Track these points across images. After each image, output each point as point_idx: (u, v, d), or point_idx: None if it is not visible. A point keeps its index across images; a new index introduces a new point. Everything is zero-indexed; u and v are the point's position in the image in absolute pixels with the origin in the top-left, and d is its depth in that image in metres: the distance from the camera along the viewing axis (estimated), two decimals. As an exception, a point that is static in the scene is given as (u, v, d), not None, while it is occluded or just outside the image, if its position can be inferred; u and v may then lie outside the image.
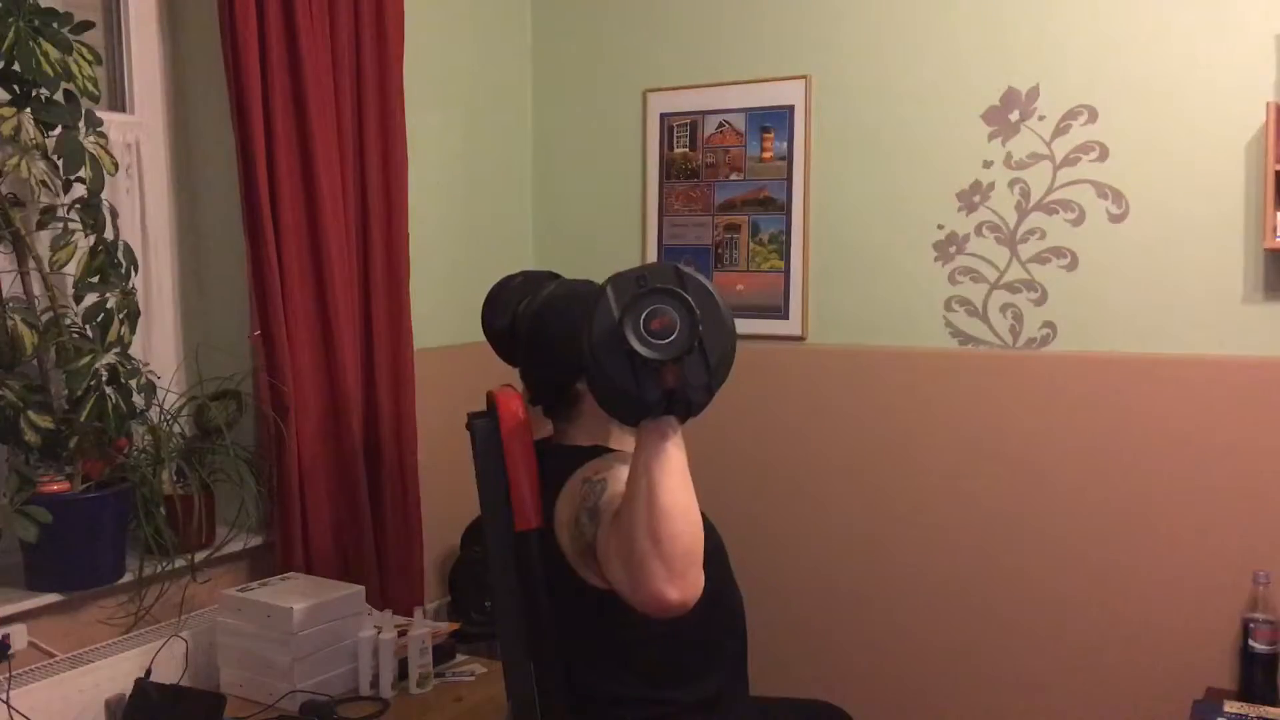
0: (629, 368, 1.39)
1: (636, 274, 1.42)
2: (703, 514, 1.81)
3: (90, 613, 2.14)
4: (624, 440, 1.72)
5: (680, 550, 1.34)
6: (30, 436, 1.98)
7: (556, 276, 2.06)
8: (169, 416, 2.26)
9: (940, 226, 2.81)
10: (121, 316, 2.08)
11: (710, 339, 1.39)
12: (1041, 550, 2.72)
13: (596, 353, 1.41)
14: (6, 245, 2.02)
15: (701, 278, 1.43)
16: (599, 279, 1.98)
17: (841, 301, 2.95)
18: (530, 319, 1.84)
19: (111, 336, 2.06)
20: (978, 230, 2.77)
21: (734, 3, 3.04)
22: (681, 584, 1.34)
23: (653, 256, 3.17)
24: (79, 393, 2.00)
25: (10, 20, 1.93)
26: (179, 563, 2.22)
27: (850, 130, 2.91)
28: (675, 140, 3.14)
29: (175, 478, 2.26)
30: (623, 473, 1.57)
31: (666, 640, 1.68)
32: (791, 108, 2.97)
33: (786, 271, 3.00)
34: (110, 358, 2.05)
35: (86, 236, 2.06)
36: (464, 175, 3.10)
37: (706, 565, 1.75)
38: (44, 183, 1.99)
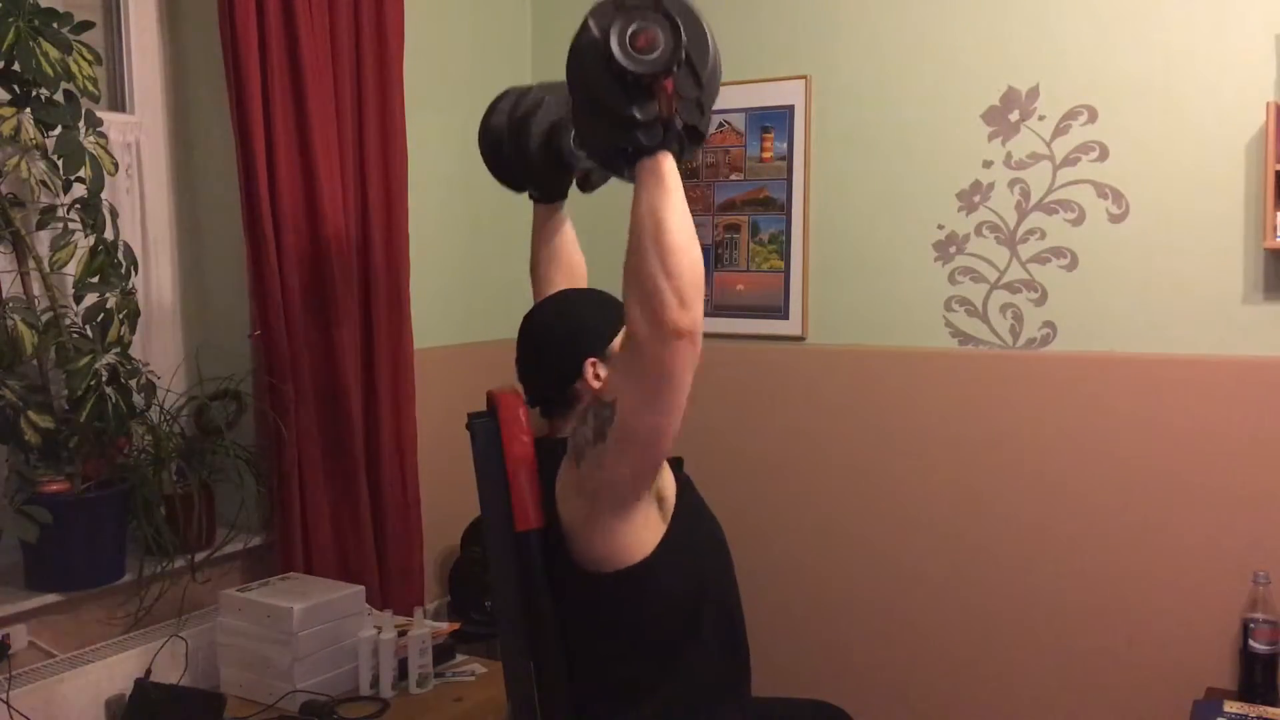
0: (620, 89, 1.38)
1: None
2: (709, 518, 1.82)
3: (90, 613, 2.14)
4: None
5: (689, 281, 1.43)
6: (30, 436, 1.98)
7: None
8: (169, 416, 2.26)
9: (940, 226, 2.81)
10: (121, 316, 2.08)
11: (697, 53, 1.39)
12: (1042, 550, 2.72)
13: (585, 79, 1.40)
14: (6, 245, 2.02)
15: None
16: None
17: (841, 301, 2.95)
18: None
19: (111, 336, 2.06)
20: (978, 230, 2.77)
21: (734, 3, 3.04)
22: (691, 312, 1.43)
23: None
24: (79, 393, 2.00)
25: (10, 20, 1.93)
26: (179, 563, 2.22)
27: (850, 130, 2.91)
28: (675, 140, 3.14)
29: (175, 478, 2.26)
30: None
31: (664, 634, 1.69)
32: (791, 108, 2.97)
33: (786, 271, 3.00)
34: (110, 358, 2.05)
35: (86, 236, 2.06)
36: (464, 175, 3.09)
37: (708, 565, 1.76)
38: (44, 183, 1.99)
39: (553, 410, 1.80)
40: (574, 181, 2.06)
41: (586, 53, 1.41)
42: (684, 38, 1.37)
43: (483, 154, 2.06)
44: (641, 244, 1.43)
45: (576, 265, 2.14)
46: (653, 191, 1.44)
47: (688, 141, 1.46)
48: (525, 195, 2.13)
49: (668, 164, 1.45)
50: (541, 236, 2.12)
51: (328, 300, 2.46)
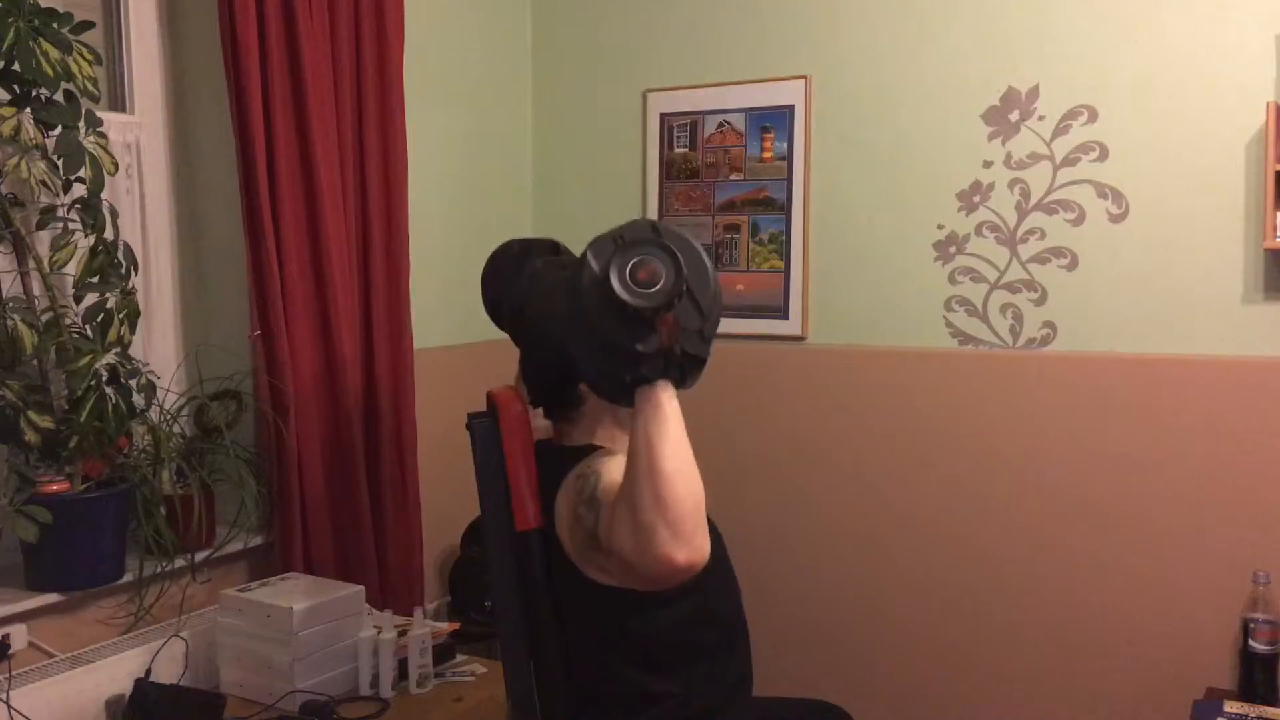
0: (620, 323, 1.38)
1: (614, 233, 1.42)
2: (709, 521, 1.82)
3: (90, 613, 2.14)
4: (618, 439, 1.73)
5: (685, 513, 1.35)
6: (30, 436, 1.98)
7: (557, 246, 2.04)
8: (169, 416, 2.26)
9: (940, 226, 2.81)
10: (121, 316, 2.08)
11: (697, 284, 1.39)
12: (1042, 550, 2.72)
13: (586, 313, 1.39)
14: (6, 245, 2.02)
15: (679, 230, 1.43)
16: None
17: (841, 301, 2.95)
18: (520, 324, 1.84)
19: (111, 336, 2.06)
20: (978, 230, 2.77)
21: (734, 3, 3.04)
22: (688, 547, 1.35)
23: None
24: (79, 393, 2.00)
25: (10, 20, 1.93)
26: (179, 563, 2.22)
27: (850, 130, 2.91)
28: (675, 140, 3.14)
29: (175, 478, 2.26)
30: (614, 464, 1.57)
31: (666, 638, 1.68)
32: (791, 108, 2.97)
33: (786, 271, 3.00)
34: (110, 358, 2.05)
35: (86, 236, 2.06)
36: (464, 175, 3.10)
37: (710, 568, 1.75)
38: (44, 183, 1.99)
39: (555, 411, 1.80)
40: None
41: (588, 288, 1.39)
42: (685, 270, 1.36)
43: (492, 303, 2.08)
44: (634, 472, 1.39)
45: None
46: (649, 420, 1.40)
47: (688, 369, 1.44)
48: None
49: (666, 393, 1.42)
50: None
51: (328, 300, 2.46)
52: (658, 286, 1.36)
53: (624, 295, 1.35)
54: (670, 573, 1.35)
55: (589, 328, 1.40)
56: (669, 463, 1.37)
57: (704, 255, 1.43)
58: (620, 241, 1.40)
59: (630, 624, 1.66)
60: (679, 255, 1.37)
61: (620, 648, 1.69)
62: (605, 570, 1.58)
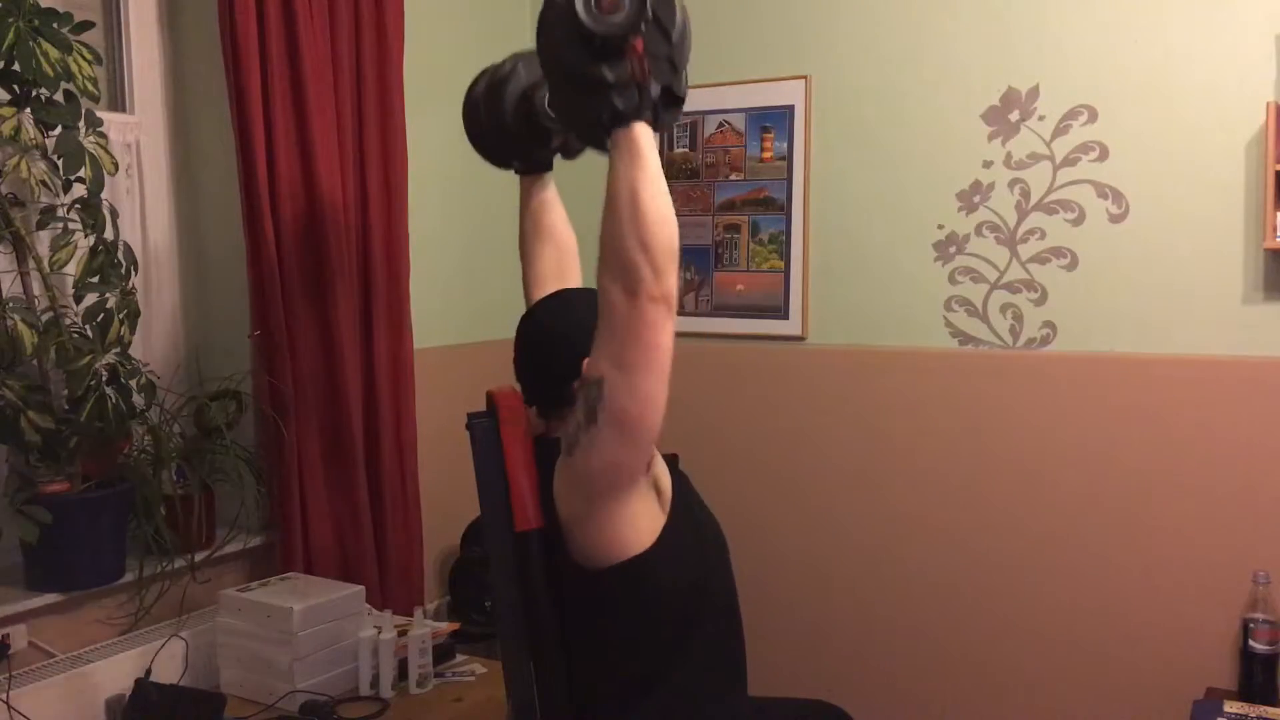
0: (587, 52, 1.39)
1: None
2: (706, 514, 1.82)
3: (90, 613, 2.14)
4: None
5: (664, 251, 1.43)
6: (30, 436, 1.98)
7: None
8: (169, 416, 2.26)
9: (940, 226, 2.81)
10: (121, 316, 2.08)
11: (663, 9, 1.41)
12: (1041, 550, 2.72)
13: (554, 47, 1.40)
14: (6, 245, 2.02)
15: None
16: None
17: (841, 301, 2.95)
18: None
19: (111, 336, 2.06)
20: (978, 230, 2.77)
21: (734, 3, 3.04)
22: (667, 280, 1.44)
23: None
24: (79, 393, 2.00)
25: (10, 20, 1.93)
26: (179, 563, 2.22)
27: (850, 130, 2.91)
28: (675, 140, 3.15)
29: (175, 478, 2.26)
30: None
31: (666, 639, 1.68)
32: (791, 108, 2.97)
33: (786, 271, 3.00)
34: (110, 358, 2.04)
35: (86, 236, 2.06)
36: (464, 175, 3.09)
37: (707, 560, 1.75)
38: (44, 183, 1.99)
39: (550, 410, 1.80)
40: (558, 151, 2.06)
41: (553, 20, 1.42)
42: None
43: (465, 127, 2.07)
44: (617, 217, 1.43)
45: (564, 240, 2.13)
46: (627, 163, 1.44)
47: (664, 108, 1.46)
48: (513, 174, 2.12)
49: (643, 134, 1.45)
50: (528, 211, 2.12)
51: (328, 300, 2.46)
52: (623, 12, 1.38)
53: (588, 21, 1.37)
54: (651, 302, 1.42)
55: (555, 57, 1.42)
56: (651, 206, 1.43)
57: None
58: None
59: (629, 622, 1.66)
60: None
61: (619, 647, 1.69)
62: (591, 484, 1.57)
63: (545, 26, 1.45)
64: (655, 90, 1.44)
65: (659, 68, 1.43)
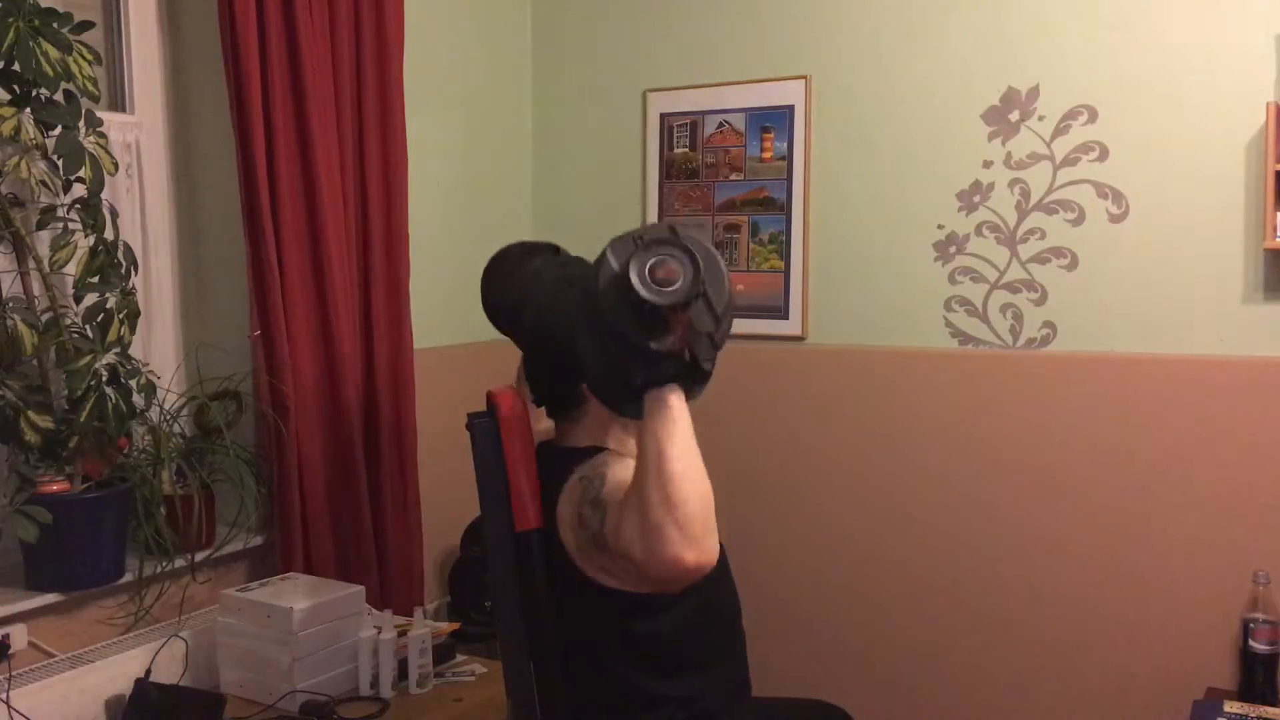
0: (636, 320, 1.39)
1: (634, 233, 1.43)
2: None
3: (90, 613, 2.14)
4: (623, 441, 1.72)
5: (694, 514, 1.36)
6: (30, 436, 1.98)
7: (557, 249, 2.05)
8: (169, 416, 2.26)
9: (940, 226, 2.81)
10: (121, 316, 2.08)
11: (714, 287, 1.40)
12: (1042, 550, 2.72)
13: (602, 311, 1.40)
14: (6, 245, 2.02)
15: (697, 236, 1.44)
16: None
17: (841, 301, 2.95)
18: (531, 321, 1.84)
19: (111, 336, 2.06)
20: (978, 230, 2.77)
21: (734, 3, 3.04)
22: (698, 548, 1.35)
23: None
24: (79, 393, 2.00)
25: (10, 20, 1.93)
26: (179, 563, 2.22)
27: (850, 130, 2.91)
28: (675, 140, 3.15)
29: (175, 478, 2.26)
30: (619, 467, 1.57)
31: (667, 639, 1.68)
32: (791, 108, 2.97)
33: (786, 271, 3.00)
34: (110, 358, 2.05)
35: (86, 236, 2.06)
36: (464, 175, 3.10)
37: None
38: (44, 183, 1.99)
39: (558, 410, 1.80)
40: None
41: (606, 284, 1.40)
42: (703, 271, 1.37)
43: (491, 304, 2.03)
44: (644, 473, 1.39)
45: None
46: (659, 422, 1.40)
47: (695, 380, 1.44)
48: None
49: (675, 398, 1.42)
50: None
51: (328, 300, 2.46)
52: (676, 285, 1.37)
53: (643, 292, 1.36)
54: (680, 574, 1.36)
55: (603, 325, 1.41)
56: (678, 464, 1.38)
57: (720, 260, 1.44)
58: (640, 241, 1.41)
59: (630, 625, 1.66)
60: (697, 256, 1.38)
61: (620, 649, 1.69)
62: (608, 571, 1.58)
63: (595, 288, 1.42)
64: (688, 359, 1.42)
65: (699, 344, 1.41)
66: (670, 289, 1.37)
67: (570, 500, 1.62)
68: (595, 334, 1.44)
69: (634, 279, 1.36)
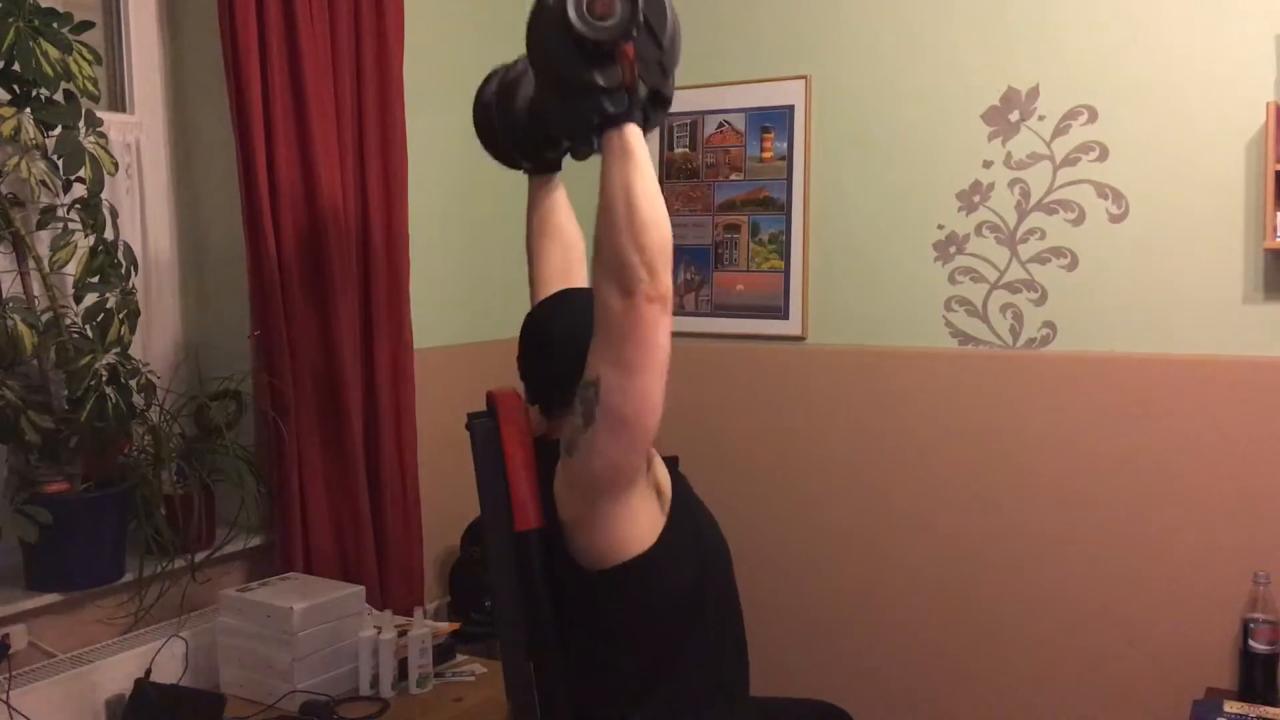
0: (579, 57, 1.40)
1: None
2: (706, 515, 1.82)
3: (90, 613, 2.14)
4: None
5: (658, 251, 1.46)
6: (30, 436, 1.98)
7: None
8: (169, 416, 2.26)
9: (940, 226, 2.81)
10: (121, 316, 2.08)
11: (654, 14, 1.41)
12: (1042, 550, 2.72)
13: (545, 50, 1.41)
14: (6, 245, 2.02)
15: None
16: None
17: (841, 301, 2.95)
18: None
19: (111, 336, 2.06)
20: (978, 230, 2.77)
21: (734, 3, 3.04)
22: (663, 281, 1.46)
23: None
24: (79, 393, 2.00)
25: (10, 20, 1.93)
26: (179, 563, 2.22)
27: (850, 130, 2.91)
28: (675, 140, 3.15)
29: (175, 478, 2.26)
30: None
31: (666, 639, 1.68)
32: (791, 108, 2.97)
33: (786, 271, 3.00)
34: (110, 358, 2.04)
35: (86, 236, 2.05)
36: (464, 175, 3.09)
37: (708, 561, 1.75)
38: (44, 183, 1.99)
39: (553, 410, 1.80)
40: (568, 152, 2.06)
41: (545, 24, 1.43)
42: (640, 1, 1.38)
43: (475, 128, 2.07)
44: (611, 218, 1.45)
45: (571, 239, 2.12)
46: (620, 164, 1.45)
47: (652, 109, 1.47)
48: (518, 173, 2.12)
49: (634, 135, 1.46)
50: (535, 211, 2.13)
51: (328, 300, 2.46)
52: (615, 18, 1.37)
53: (580, 27, 1.37)
54: (648, 302, 1.43)
55: (546, 60, 1.42)
56: (645, 208, 1.44)
57: None
58: None
59: (629, 623, 1.67)
60: None
61: (619, 648, 1.69)
62: (591, 485, 1.58)
63: (535, 30, 1.46)
64: (644, 92, 1.45)
65: (649, 71, 1.44)
66: (609, 22, 1.37)
67: (561, 470, 1.63)
68: (543, 79, 1.46)
69: (571, 14, 1.37)
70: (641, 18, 1.39)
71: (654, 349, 1.49)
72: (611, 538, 1.61)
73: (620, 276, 1.46)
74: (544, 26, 1.44)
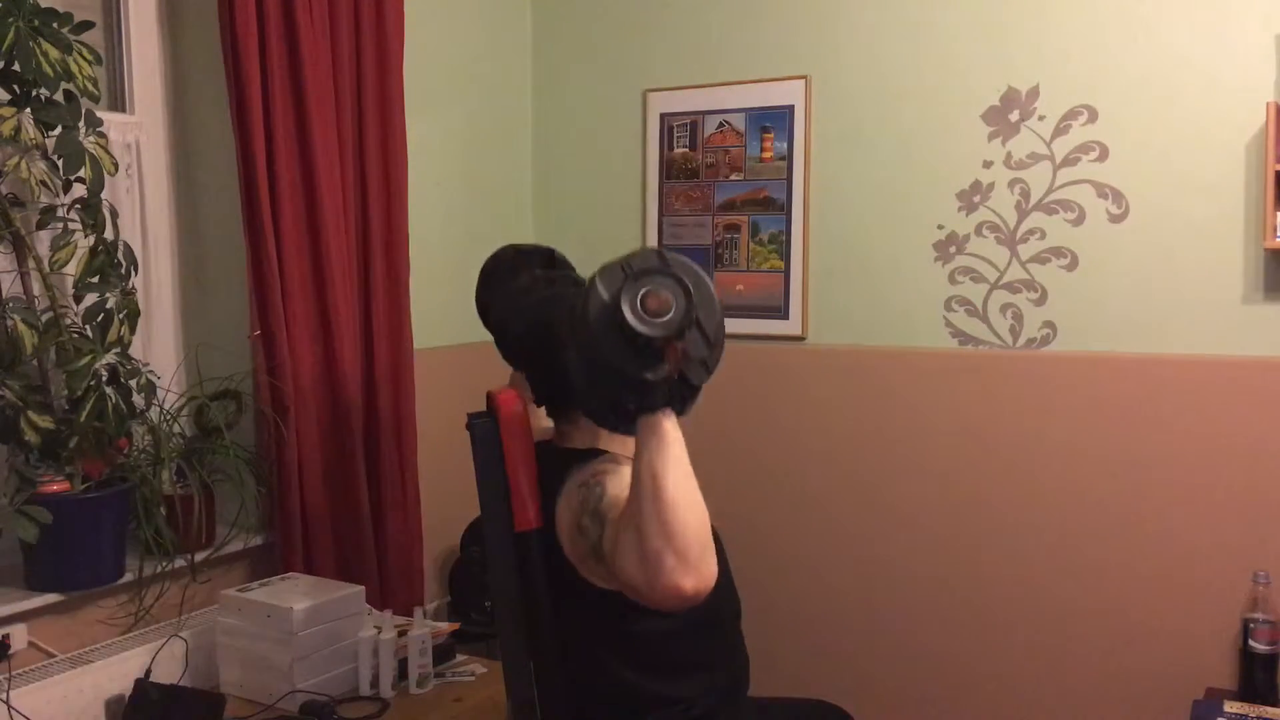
0: (629, 352, 1.36)
1: (622, 261, 1.41)
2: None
3: (90, 613, 2.14)
4: (623, 443, 1.72)
5: (691, 540, 1.35)
6: (30, 436, 1.98)
7: (552, 255, 2.04)
8: (169, 416, 2.26)
9: (940, 226, 2.81)
10: (121, 316, 2.08)
11: (705, 314, 1.39)
12: (1041, 550, 2.72)
13: (593, 341, 1.38)
14: (6, 245, 2.02)
15: (685, 258, 1.42)
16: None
17: (841, 301, 2.95)
18: (536, 318, 1.83)
19: (111, 336, 2.06)
20: (978, 230, 2.77)
21: (734, 3, 3.04)
22: (696, 574, 1.34)
23: (653, 256, 3.17)
24: (79, 393, 2.00)
25: (10, 20, 1.93)
26: (179, 563, 2.22)
27: (850, 130, 2.91)
28: (675, 140, 3.15)
29: (175, 478, 2.26)
30: (619, 474, 1.56)
31: (666, 639, 1.68)
32: (791, 108, 2.97)
33: (786, 271, 3.00)
34: (110, 358, 2.05)
35: (86, 236, 2.06)
36: (464, 175, 3.10)
37: None
38: (44, 183, 1.99)
39: (558, 410, 1.80)
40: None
41: (597, 317, 1.38)
42: (695, 298, 1.36)
43: (489, 319, 2.02)
44: (640, 501, 1.38)
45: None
46: (653, 448, 1.39)
47: (688, 398, 1.43)
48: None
49: (669, 420, 1.41)
50: None
51: (328, 300, 2.46)
52: (668, 316, 1.35)
53: (636, 325, 1.33)
54: (678, 600, 1.34)
55: (595, 355, 1.39)
56: (674, 491, 1.36)
57: (709, 283, 1.42)
58: (629, 270, 1.38)
59: (629, 628, 1.66)
60: (688, 283, 1.36)
61: (619, 650, 1.69)
62: (606, 580, 1.57)
63: (586, 321, 1.40)
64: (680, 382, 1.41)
65: (693, 369, 1.39)
66: (663, 319, 1.34)
67: (569, 507, 1.62)
68: (586, 362, 1.42)
69: (626, 312, 1.33)
70: (695, 315, 1.36)
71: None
72: (608, 572, 1.60)
73: (647, 565, 1.35)
74: (595, 319, 1.38)
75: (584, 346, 1.41)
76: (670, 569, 1.33)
